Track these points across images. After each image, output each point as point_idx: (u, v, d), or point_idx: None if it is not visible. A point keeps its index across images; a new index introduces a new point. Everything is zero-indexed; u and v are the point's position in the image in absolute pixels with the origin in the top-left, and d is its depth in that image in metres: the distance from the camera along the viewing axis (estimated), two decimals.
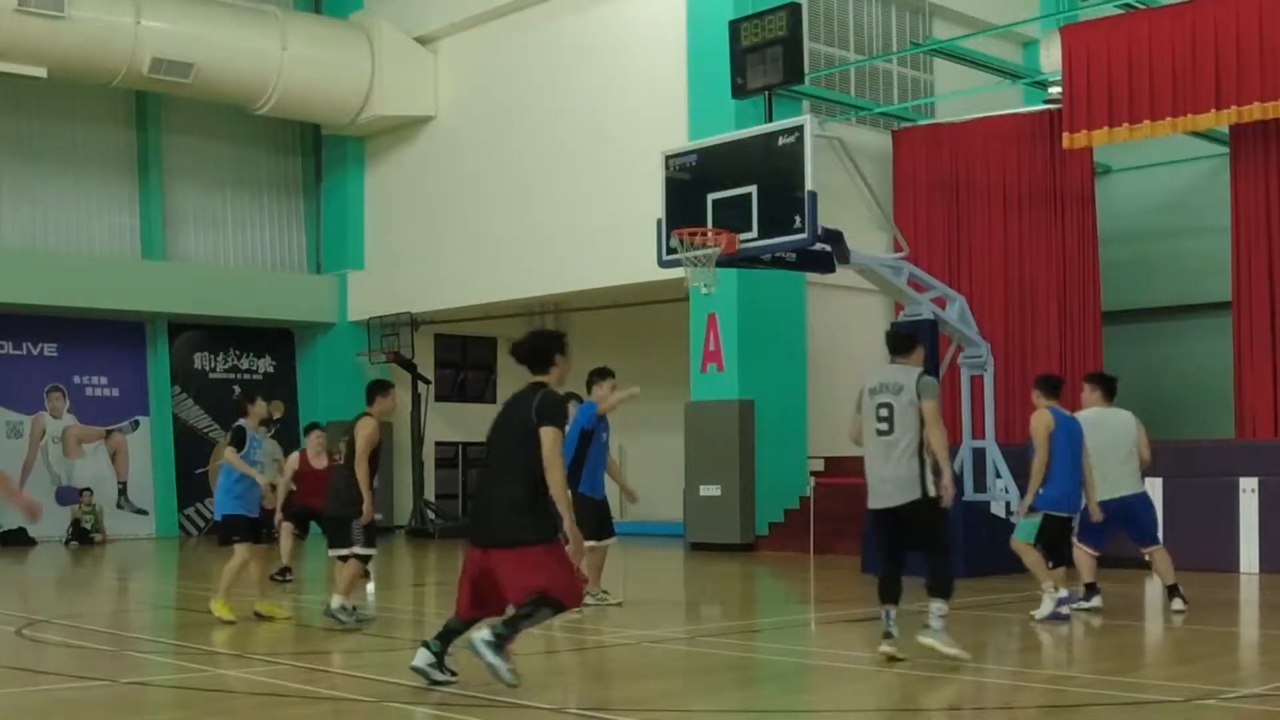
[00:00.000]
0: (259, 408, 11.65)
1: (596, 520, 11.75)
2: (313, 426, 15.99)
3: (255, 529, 11.42)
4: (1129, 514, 11.49)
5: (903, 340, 8.98)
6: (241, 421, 11.54)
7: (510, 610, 7.51)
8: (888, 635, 8.53)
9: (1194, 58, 16.30)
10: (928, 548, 8.58)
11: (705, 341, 19.62)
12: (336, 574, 11.00)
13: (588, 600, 11.90)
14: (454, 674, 7.72)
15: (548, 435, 7.38)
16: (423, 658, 7.69)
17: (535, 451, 7.39)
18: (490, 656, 7.33)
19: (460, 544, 20.97)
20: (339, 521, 10.83)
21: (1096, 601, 11.41)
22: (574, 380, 13.13)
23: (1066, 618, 10.60)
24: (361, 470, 10.65)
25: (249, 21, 23.33)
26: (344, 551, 10.83)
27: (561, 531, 7.54)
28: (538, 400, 7.52)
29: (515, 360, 7.82)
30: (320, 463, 15.14)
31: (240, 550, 11.24)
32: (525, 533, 7.40)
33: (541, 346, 7.73)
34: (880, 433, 8.61)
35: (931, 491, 8.38)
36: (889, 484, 8.54)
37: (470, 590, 7.62)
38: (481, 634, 7.42)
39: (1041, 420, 10.71)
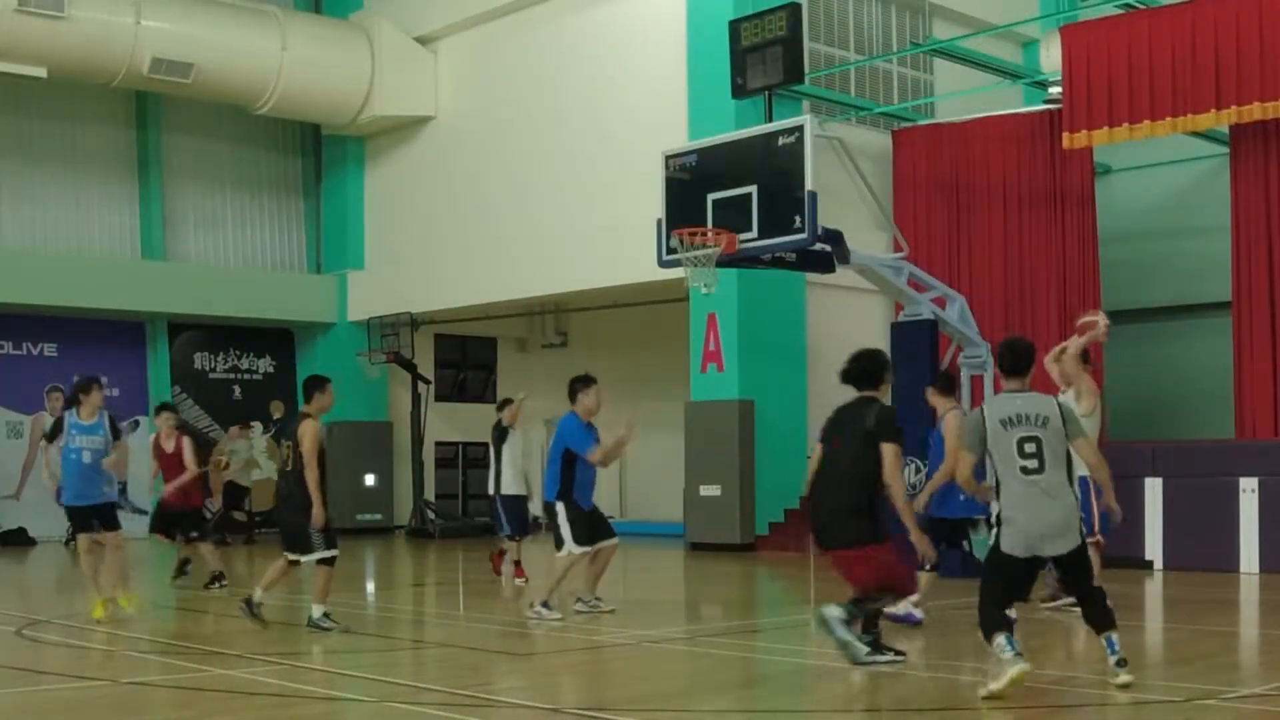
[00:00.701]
0: (94, 397, 11.61)
1: (588, 528, 11.57)
2: (163, 407, 15.49)
3: (86, 517, 11.72)
4: None
5: (1028, 357, 7.94)
6: (66, 412, 11.66)
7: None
8: (1019, 654, 7.48)
9: (1194, 58, 16.29)
10: (1088, 590, 7.80)
11: (705, 341, 19.62)
12: (271, 572, 10.84)
13: (578, 606, 11.80)
14: (899, 652, 8.56)
15: (889, 452, 8.21)
16: (856, 653, 8.32)
17: (874, 463, 8.24)
18: (841, 632, 8.17)
19: (460, 545, 20.95)
20: (295, 528, 10.70)
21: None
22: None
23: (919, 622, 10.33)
24: (311, 474, 10.43)
25: (249, 21, 23.33)
26: (303, 557, 10.63)
27: (893, 535, 8.41)
28: (877, 417, 8.35)
29: (844, 382, 8.58)
30: (170, 445, 14.66)
31: (80, 541, 11.66)
32: (861, 535, 8.30)
33: (871, 368, 8.57)
34: (1028, 471, 7.62)
35: (1085, 532, 7.84)
36: (1055, 529, 7.60)
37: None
38: (832, 610, 8.21)
39: (959, 421, 9.99)
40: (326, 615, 10.63)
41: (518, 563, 14.96)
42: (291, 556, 10.72)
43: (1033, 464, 7.63)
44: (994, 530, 7.74)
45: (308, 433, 10.49)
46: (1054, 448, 7.66)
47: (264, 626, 10.67)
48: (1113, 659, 7.61)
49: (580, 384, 11.55)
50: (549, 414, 27.05)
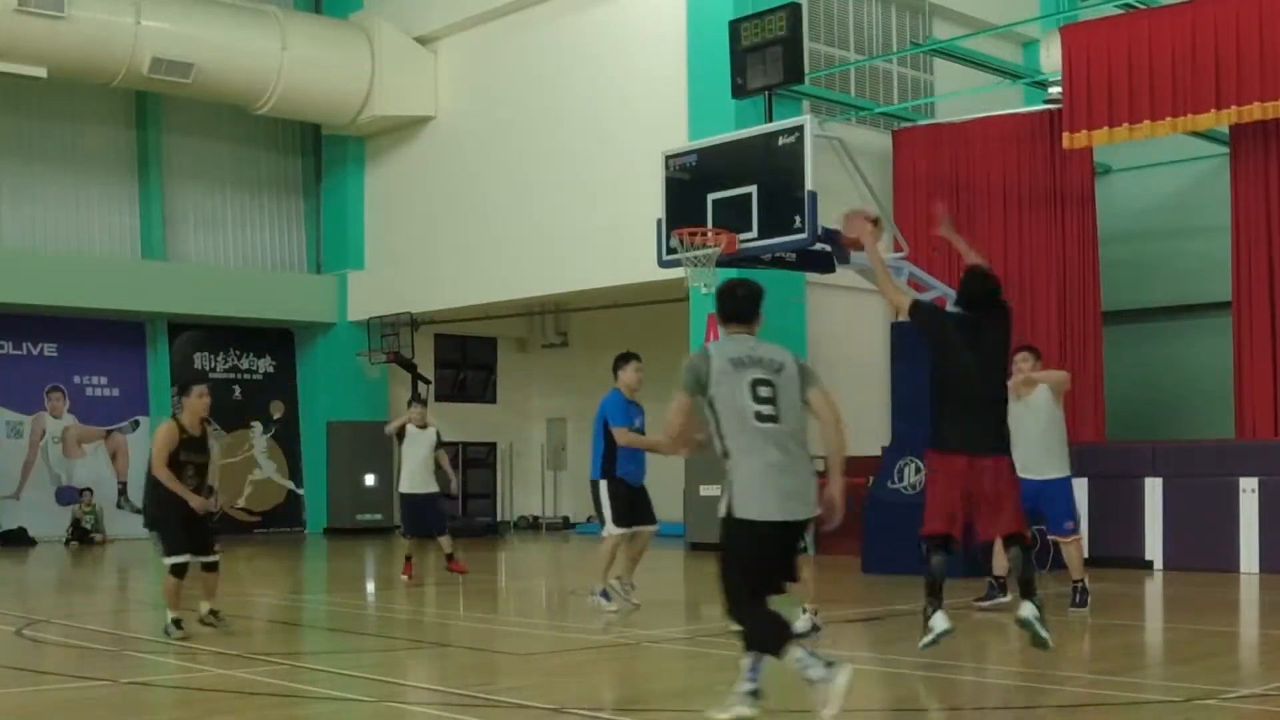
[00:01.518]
0: None
1: (628, 508, 11.57)
2: None
3: None
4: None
5: (754, 302, 6.71)
6: None
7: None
8: (831, 663, 6.29)
9: (1194, 58, 16.28)
10: (790, 578, 6.74)
11: (705, 341, 19.59)
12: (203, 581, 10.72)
13: (613, 583, 11.84)
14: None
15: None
16: (1028, 610, 8.34)
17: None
18: (1043, 630, 8.30)
19: (460, 545, 20.88)
20: (150, 531, 10.67)
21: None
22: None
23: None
24: (161, 473, 10.22)
25: (249, 21, 23.33)
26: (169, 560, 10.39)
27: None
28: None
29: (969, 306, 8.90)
30: None
31: None
32: (1006, 444, 8.47)
33: (990, 290, 8.80)
34: (764, 417, 6.38)
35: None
36: (797, 489, 6.44)
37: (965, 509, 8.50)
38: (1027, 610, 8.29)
39: None
40: (176, 623, 10.37)
41: (408, 558, 15.46)
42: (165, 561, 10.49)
43: (768, 409, 6.40)
44: (723, 500, 6.40)
45: (158, 435, 10.43)
46: (790, 398, 6.49)
47: (226, 628, 10.61)
48: (749, 687, 6.59)
49: (621, 361, 11.88)
50: (550, 413, 27.11)
